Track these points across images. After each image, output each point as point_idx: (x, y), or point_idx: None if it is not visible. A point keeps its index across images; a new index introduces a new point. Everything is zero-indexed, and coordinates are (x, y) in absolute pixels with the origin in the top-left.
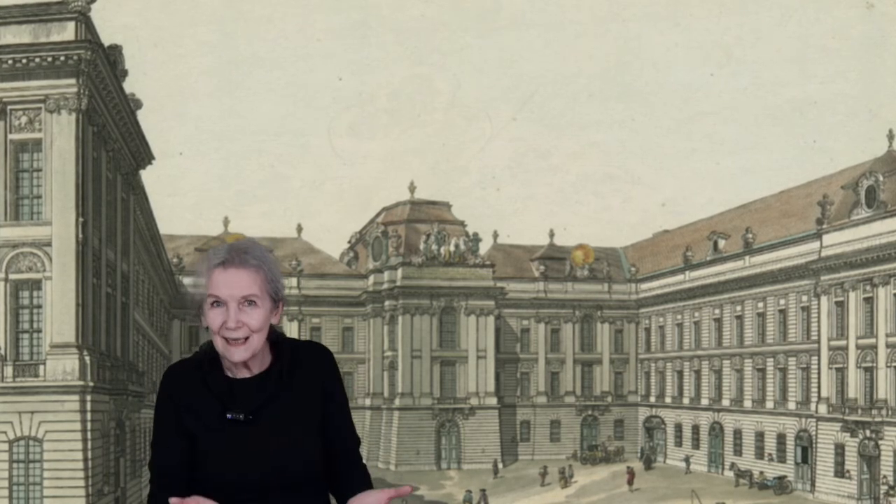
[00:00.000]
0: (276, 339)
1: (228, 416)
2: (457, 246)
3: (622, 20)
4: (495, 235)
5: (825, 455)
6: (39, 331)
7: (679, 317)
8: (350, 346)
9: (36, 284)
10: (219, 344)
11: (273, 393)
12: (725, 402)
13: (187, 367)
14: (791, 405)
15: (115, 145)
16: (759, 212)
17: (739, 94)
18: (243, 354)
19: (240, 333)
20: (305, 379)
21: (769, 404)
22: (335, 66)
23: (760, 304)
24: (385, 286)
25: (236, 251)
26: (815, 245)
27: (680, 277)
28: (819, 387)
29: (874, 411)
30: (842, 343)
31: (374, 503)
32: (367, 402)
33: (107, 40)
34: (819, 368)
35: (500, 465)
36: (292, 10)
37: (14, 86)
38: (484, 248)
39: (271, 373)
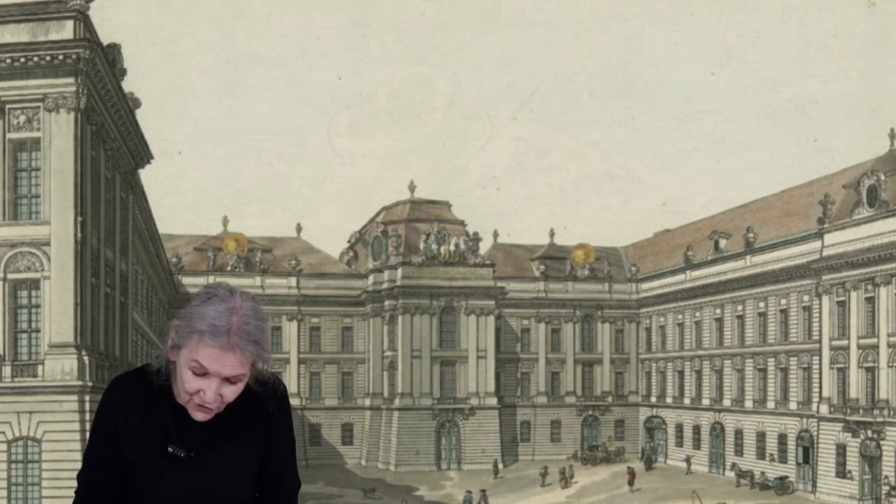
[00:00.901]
0: None
1: (169, 450)
2: (457, 245)
3: (623, 18)
4: (495, 235)
5: (826, 455)
6: (38, 331)
7: (680, 316)
8: (349, 346)
9: (34, 284)
10: (183, 398)
11: (220, 432)
12: (726, 403)
13: (135, 384)
14: (792, 405)
15: (113, 144)
16: (760, 211)
17: (740, 92)
18: (207, 417)
19: (213, 405)
20: (255, 418)
21: (770, 404)
22: (334, 64)
23: (762, 304)
24: (385, 286)
25: (238, 335)
26: (817, 244)
27: (681, 277)
28: (820, 387)
29: (875, 411)
30: (843, 343)
31: None
32: (367, 402)
33: (105, 39)
34: (820, 368)
35: (501, 466)
36: (291, 9)
37: (12, 85)
38: (484, 247)
39: (223, 410)
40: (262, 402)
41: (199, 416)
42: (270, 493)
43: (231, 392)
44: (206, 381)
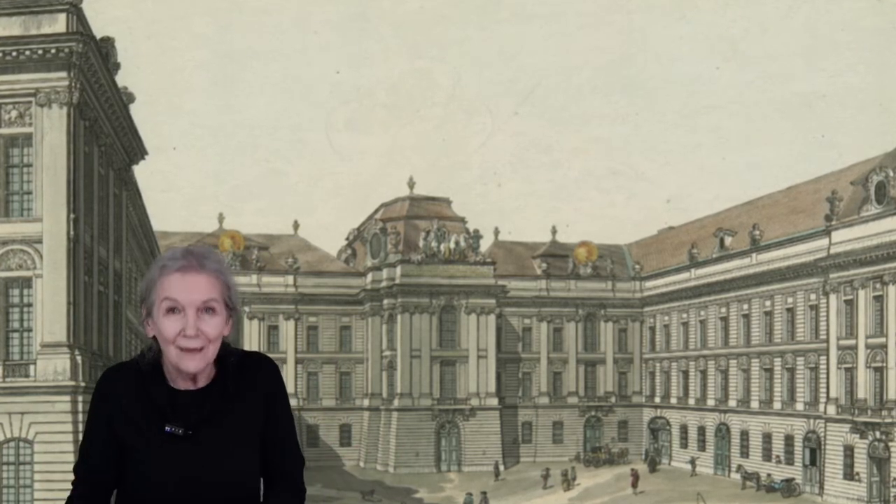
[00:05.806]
0: (221, 351)
1: (167, 429)
2: (457, 243)
3: (626, 12)
4: (496, 232)
5: (834, 457)
6: (30, 330)
7: (684, 315)
8: (348, 345)
9: (26, 282)
10: (172, 354)
11: (215, 408)
12: (732, 403)
13: (127, 372)
14: (799, 406)
15: (107, 140)
16: (766, 208)
17: (746, 87)
18: (199, 364)
19: (197, 343)
20: (249, 394)
21: (777, 405)
22: (333, 59)
23: (768, 303)
24: (384, 284)
25: (195, 255)
26: (824, 242)
27: (685, 275)
28: (828, 387)
29: (884, 412)
30: (851, 342)
31: None
32: (366, 402)
33: (99, 32)
34: (828, 368)
35: (502, 468)
36: (289, 3)
37: (4, 79)
38: (485, 245)
39: (215, 386)
40: (254, 373)
41: (192, 366)
42: (274, 470)
43: (210, 326)
44: (183, 318)
